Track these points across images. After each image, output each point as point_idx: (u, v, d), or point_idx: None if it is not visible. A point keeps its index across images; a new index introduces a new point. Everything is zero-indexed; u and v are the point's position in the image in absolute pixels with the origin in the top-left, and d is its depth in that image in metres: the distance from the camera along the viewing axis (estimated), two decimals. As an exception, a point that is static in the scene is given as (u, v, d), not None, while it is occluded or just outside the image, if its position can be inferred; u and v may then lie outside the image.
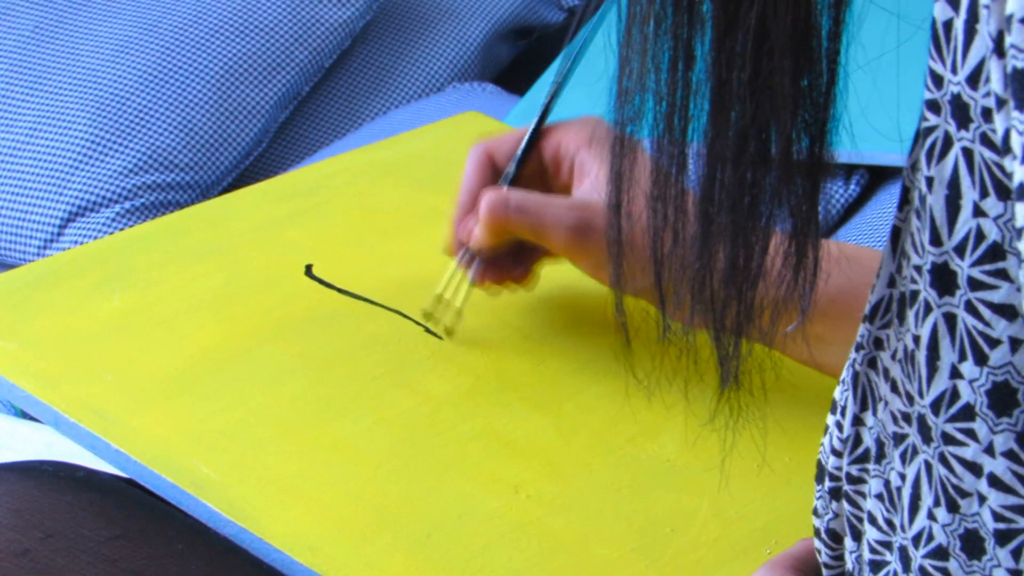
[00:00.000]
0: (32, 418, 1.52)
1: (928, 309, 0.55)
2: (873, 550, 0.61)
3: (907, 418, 0.57)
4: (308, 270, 1.00)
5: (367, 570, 0.78)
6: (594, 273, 0.88)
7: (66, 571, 0.75)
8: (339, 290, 0.98)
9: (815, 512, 0.66)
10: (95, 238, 1.68)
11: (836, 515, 0.64)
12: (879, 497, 0.60)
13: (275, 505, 0.80)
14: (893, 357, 0.58)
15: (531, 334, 0.96)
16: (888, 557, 0.60)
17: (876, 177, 1.60)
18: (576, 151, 0.88)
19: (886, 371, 0.58)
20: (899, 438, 0.58)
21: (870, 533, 0.61)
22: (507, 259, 0.90)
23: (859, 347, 0.60)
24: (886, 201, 1.53)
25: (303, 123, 1.88)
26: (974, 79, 0.51)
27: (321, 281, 0.99)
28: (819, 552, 0.66)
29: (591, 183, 0.87)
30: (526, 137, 0.89)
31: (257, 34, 1.82)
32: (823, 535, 0.65)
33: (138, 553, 0.76)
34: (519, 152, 0.89)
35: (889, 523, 0.60)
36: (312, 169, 1.14)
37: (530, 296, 0.98)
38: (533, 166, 0.89)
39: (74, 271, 0.98)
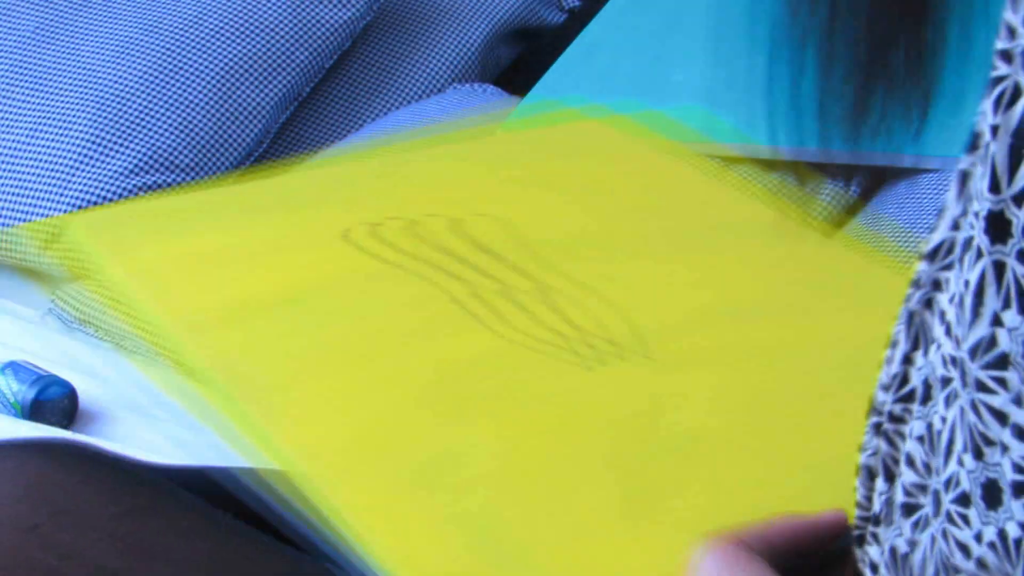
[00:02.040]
0: (40, 414, 1.52)
1: (979, 255, 0.55)
2: (908, 493, 0.61)
3: (955, 361, 0.58)
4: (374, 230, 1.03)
5: (358, 496, 0.81)
6: None
7: (73, 546, 0.75)
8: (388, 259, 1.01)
9: (861, 447, 0.66)
10: (96, 239, 1.68)
11: (874, 452, 0.65)
12: (920, 439, 0.61)
13: None
14: (951, 300, 0.58)
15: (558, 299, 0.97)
16: (922, 500, 0.61)
17: (874, 177, 1.61)
18: None
19: (943, 313, 0.59)
20: (946, 381, 0.59)
21: (906, 476, 0.61)
22: None
23: (917, 284, 0.61)
24: (886, 200, 1.54)
25: (304, 124, 1.89)
26: None
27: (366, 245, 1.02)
28: (856, 491, 0.67)
29: None
30: None
31: (258, 35, 1.83)
32: (860, 471, 0.66)
33: (144, 529, 0.77)
34: None
35: (927, 466, 0.60)
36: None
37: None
38: None
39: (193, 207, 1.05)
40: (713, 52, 1.35)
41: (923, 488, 0.61)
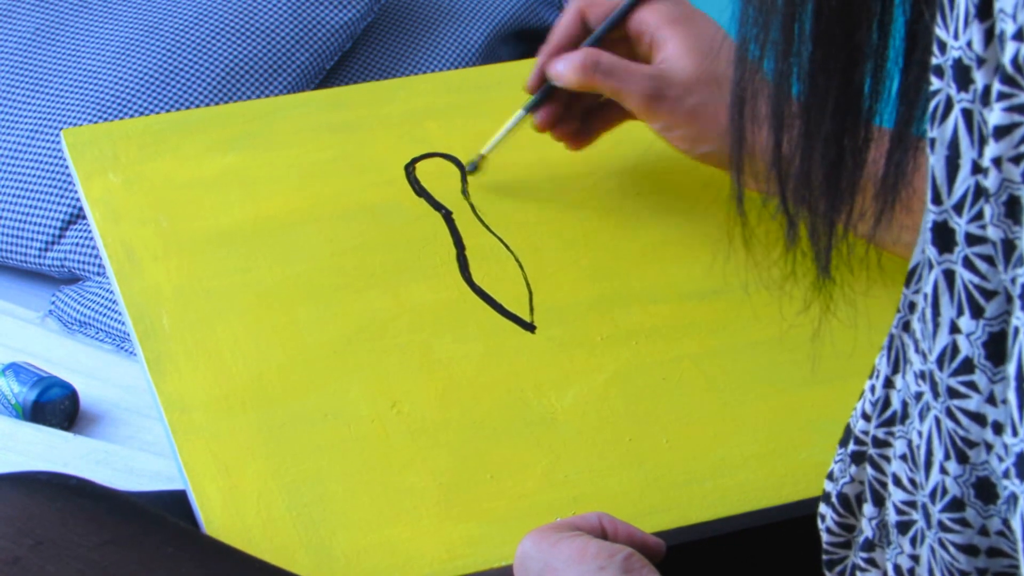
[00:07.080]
0: (41, 415, 1.53)
1: (930, 267, 0.57)
2: (899, 511, 0.63)
3: (923, 376, 0.59)
4: (409, 166, 1.04)
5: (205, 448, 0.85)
6: (663, 134, 0.99)
7: (56, 578, 0.76)
8: (426, 196, 1.03)
9: (829, 476, 0.68)
10: (97, 240, 1.68)
11: (852, 480, 0.66)
12: (903, 458, 0.62)
13: None
14: (919, 318, 0.60)
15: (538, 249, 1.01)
16: (915, 516, 0.62)
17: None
18: (657, 28, 0.98)
19: (912, 332, 0.61)
20: (919, 397, 0.60)
21: (896, 495, 0.63)
22: (574, 119, 1.03)
23: (898, 310, 0.63)
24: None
25: (304, 125, 1.89)
26: (972, 44, 0.52)
27: (413, 181, 1.03)
28: (823, 518, 0.68)
29: (667, 56, 0.97)
30: (621, 7, 1.00)
31: (258, 36, 1.83)
32: (833, 499, 0.67)
33: (128, 558, 0.77)
34: (611, 18, 1.00)
35: (913, 482, 0.62)
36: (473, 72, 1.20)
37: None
38: (619, 32, 1.01)
39: (199, 127, 1.05)
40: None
41: (912, 504, 0.62)
